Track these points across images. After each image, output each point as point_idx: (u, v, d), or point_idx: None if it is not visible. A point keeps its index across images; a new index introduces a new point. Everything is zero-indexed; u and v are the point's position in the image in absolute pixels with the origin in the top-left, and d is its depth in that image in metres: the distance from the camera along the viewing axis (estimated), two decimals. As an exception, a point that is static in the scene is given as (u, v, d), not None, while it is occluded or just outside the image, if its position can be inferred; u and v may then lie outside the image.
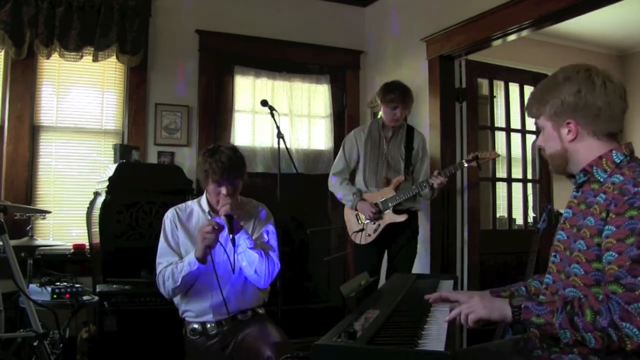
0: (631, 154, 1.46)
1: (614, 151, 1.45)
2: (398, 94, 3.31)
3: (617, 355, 1.32)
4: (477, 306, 1.47)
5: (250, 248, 2.28)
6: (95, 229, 3.28)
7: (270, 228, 2.46)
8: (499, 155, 3.32)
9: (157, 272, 2.32)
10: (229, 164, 2.23)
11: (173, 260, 2.31)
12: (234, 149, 2.33)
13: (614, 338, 1.25)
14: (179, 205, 2.45)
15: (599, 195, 1.41)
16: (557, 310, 1.34)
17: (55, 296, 2.83)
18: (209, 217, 2.38)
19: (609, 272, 1.31)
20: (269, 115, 3.19)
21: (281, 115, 3.73)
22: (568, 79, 1.47)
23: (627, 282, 1.26)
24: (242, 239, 2.27)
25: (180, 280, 2.23)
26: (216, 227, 2.19)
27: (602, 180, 1.44)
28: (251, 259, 2.28)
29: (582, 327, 1.29)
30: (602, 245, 1.35)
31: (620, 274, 1.27)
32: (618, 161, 1.44)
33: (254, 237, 2.36)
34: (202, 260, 2.21)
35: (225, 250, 2.26)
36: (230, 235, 2.18)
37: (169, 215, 2.40)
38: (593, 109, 1.45)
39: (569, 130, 1.48)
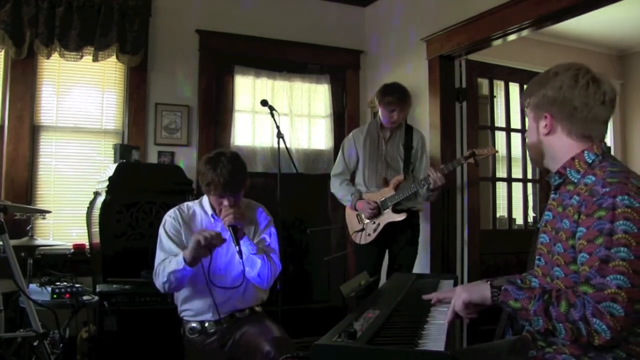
0: (603, 153, 1.46)
1: (585, 151, 1.46)
2: (396, 97, 3.30)
3: (605, 354, 1.34)
4: (458, 292, 1.52)
5: (253, 254, 2.28)
6: (95, 229, 3.28)
7: (272, 230, 2.47)
8: (497, 152, 3.31)
9: (156, 264, 2.30)
10: (230, 179, 2.22)
11: (174, 253, 2.28)
12: (235, 160, 2.29)
13: (583, 332, 1.27)
14: (181, 206, 2.44)
15: (573, 197, 1.42)
16: (535, 297, 1.36)
17: (55, 296, 2.83)
18: (212, 221, 2.38)
19: (582, 273, 1.32)
20: (269, 115, 3.19)
21: (281, 115, 3.73)
22: (556, 75, 1.49)
23: (597, 283, 1.27)
24: (245, 245, 2.27)
25: (167, 276, 2.18)
26: (216, 239, 2.14)
27: (576, 181, 1.46)
28: (254, 263, 2.28)
29: (555, 317, 1.31)
30: (576, 247, 1.36)
31: (590, 275, 1.29)
32: (590, 161, 1.45)
33: (255, 241, 2.37)
34: (189, 264, 2.15)
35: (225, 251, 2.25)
36: (237, 248, 2.17)
37: (172, 214, 2.39)
38: (569, 107, 1.46)
39: (545, 124, 1.50)
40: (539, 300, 1.35)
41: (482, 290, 1.47)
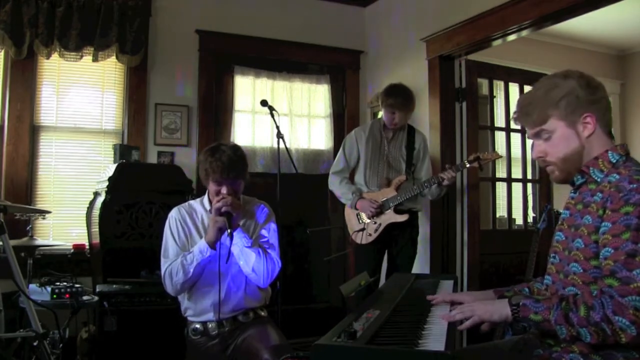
0: (626, 154, 1.48)
1: (609, 152, 1.47)
2: (399, 100, 3.28)
3: (616, 352, 1.33)
4: (478, 309, 1.49)
5: (248, 247, 2.27)
6: (95, 229, 3.28)
7: (272, 226, 2.44)
8: (500, 157, 3.30)
9: (163, 270, 2.29)
10: (229, 164, 2.22)
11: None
12: (235, 148, 2.31)
13: (608, 332, 1.27)
14: (183, 205, 2.44)
15: (596, 195, 1.42)
16: (553, 306, 1.36)
17: (55, 296, 2.82)
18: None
19: (605, 267, 1.32)
20: (269, 115, 3.19)
21: (281, 115, 3.73)
22: (567, 77, 1.48)
23: (623, 276, 1.28)
24: (239, 238, 2.26)
25: (191, 271, 2.22)
26: (223, 210, 2.18)
27: (599, 180, 1.46)
28: (248, 257, 2.27)
29: (577, 322, 1.31)
30: (599, 241, 1.36)
31: (616, 269, 1.29)
32: (614, 161, 1.45)
33: (253, 237, 2.35)
34: (212, 244, 2.20)
35: (220, 244, 2.24)
36: (228, 231, 2.17)
37: (174, 215, 2.39)
38: (604, 103, 1.47)
39: (585, 126, 1.46)
40: (558, 309, 1.34)
41: (502, 310, 1.46)
